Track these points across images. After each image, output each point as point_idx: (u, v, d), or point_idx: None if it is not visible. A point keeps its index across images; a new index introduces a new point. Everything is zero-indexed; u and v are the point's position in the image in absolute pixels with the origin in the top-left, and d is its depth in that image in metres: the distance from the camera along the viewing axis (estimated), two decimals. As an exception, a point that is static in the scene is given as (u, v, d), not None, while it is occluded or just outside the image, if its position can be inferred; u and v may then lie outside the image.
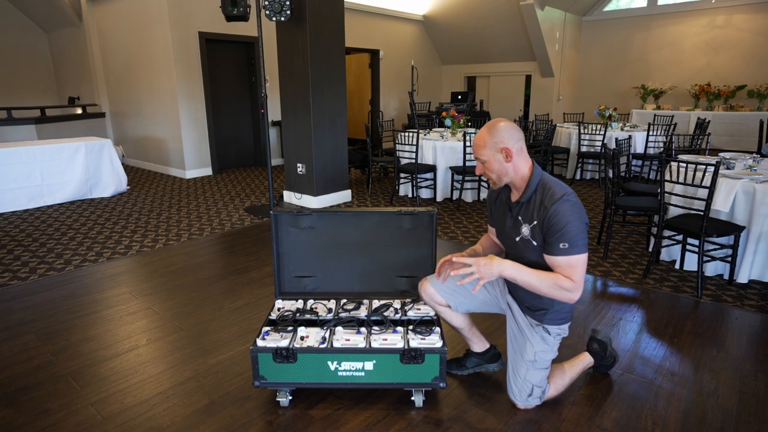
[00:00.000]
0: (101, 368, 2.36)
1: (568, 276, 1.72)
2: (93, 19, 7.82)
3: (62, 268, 3.67)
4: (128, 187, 6.40)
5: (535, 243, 1.81)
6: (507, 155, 1.78)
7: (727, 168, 3.60)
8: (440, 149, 5.62)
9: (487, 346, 2.27)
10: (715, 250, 3.35)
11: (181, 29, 6.67)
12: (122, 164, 6.56)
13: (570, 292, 1.72)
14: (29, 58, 8.83)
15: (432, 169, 5.61)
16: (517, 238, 1.87)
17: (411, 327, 2.14)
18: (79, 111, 8.07)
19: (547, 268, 1.80)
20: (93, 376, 2.30)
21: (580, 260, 1.72)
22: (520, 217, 1.86)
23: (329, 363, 1.98)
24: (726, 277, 3.39)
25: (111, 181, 6.03)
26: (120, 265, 3.74)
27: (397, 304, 2.36)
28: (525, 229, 1.83)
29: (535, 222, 1.79)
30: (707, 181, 3.13)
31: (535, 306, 1.93)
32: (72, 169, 5.71)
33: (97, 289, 3.29)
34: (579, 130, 6.63)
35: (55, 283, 3.40)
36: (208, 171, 7.42)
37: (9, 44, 8.54)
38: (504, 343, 2.22)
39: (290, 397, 2.07)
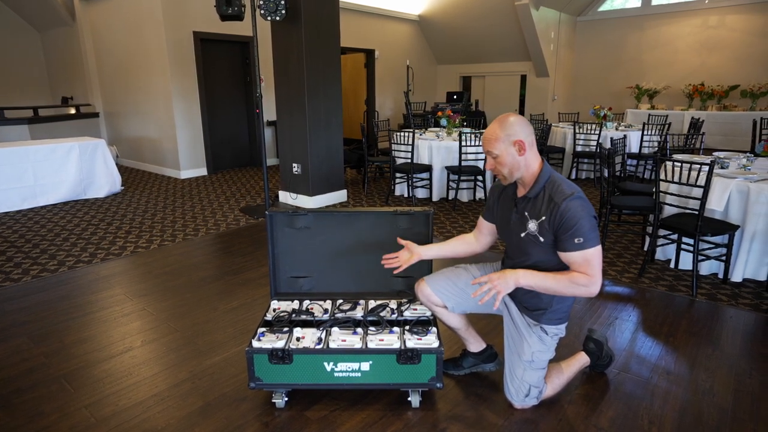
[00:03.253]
0: (95, 370, 2.34)
1: (583, 271, 1.72)
2: (86, 18, 7.77)
3: (56, 270, 3.64)
4: (122, 188, 6.36)
5: (542, 239, 1.79)
6: (520, 148, 1.76)
7: (722, 167, 3.62)
8: (436, 149, 5.62)
9: (484, 346, 2.27)
10: (709, 249, 3.37)
11: (176, 29, 6.63)
12: (116, 164, 6.52)
13: (587, 287, 1.72)
14: (22, 57, 8.75)
15: (428, 168, 5.61)
16: (523, 234, 1.86)
17: (407, 327, 2.13)
18: (73, 111, 8.02)
19: (552, 264, 1.81)
20: (87, 378, 2.28)
21: (595, 253, 1.71)
22: (526, 213, 1.84)
23: (325, 364, 1.97)
24: (721, 275, 3.40)
25: (105, 181, 5.99)
26: (114, 266, 3.71)
27: (393, 304, 2.35)
28: (532, 225, 1.82)
29: (543, 218, 1.77)
30: (702, 181, 3.14)
31: (533, 305, 1.93)
32: (65, 169, 5.67)
33: (91, 291, 3.27)
34: (574, 129, 6.65)
35: (49, 284, 3.38)
36: (203, 171, 7.39)
37: (1, 44, 8.46)
38: (500, 343, 2.22)
39: (286, 399, 2.06)
